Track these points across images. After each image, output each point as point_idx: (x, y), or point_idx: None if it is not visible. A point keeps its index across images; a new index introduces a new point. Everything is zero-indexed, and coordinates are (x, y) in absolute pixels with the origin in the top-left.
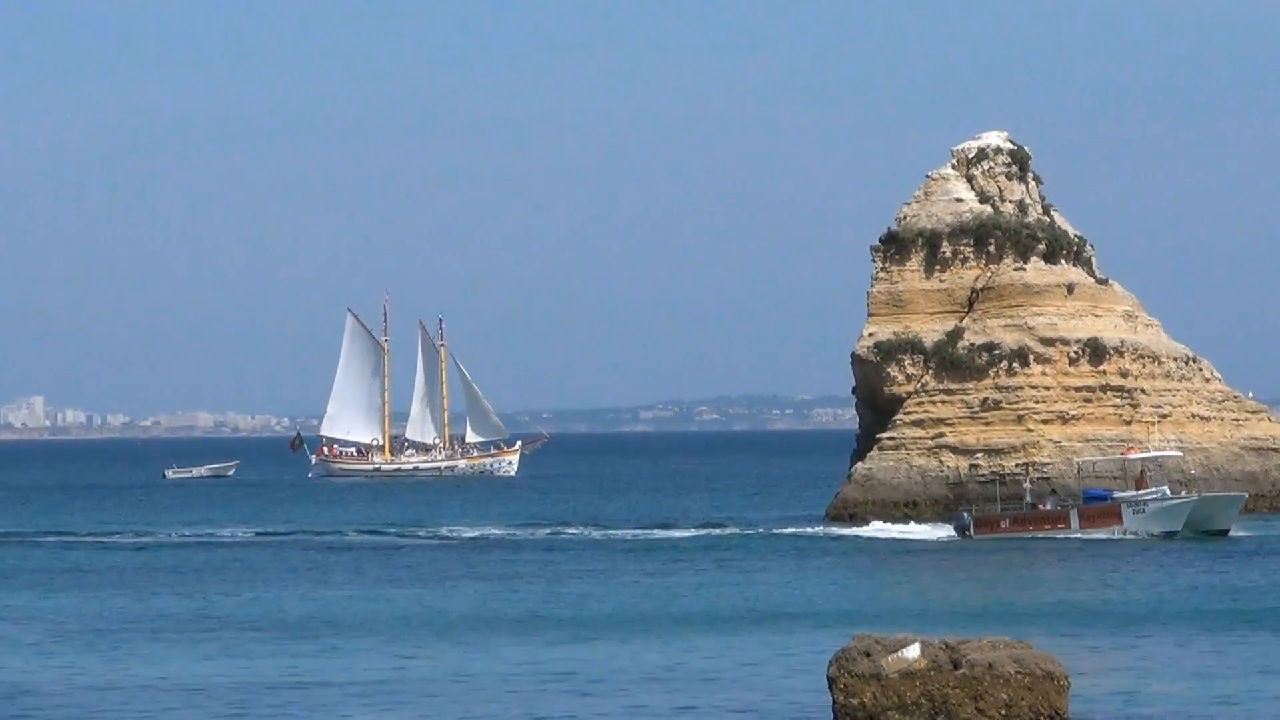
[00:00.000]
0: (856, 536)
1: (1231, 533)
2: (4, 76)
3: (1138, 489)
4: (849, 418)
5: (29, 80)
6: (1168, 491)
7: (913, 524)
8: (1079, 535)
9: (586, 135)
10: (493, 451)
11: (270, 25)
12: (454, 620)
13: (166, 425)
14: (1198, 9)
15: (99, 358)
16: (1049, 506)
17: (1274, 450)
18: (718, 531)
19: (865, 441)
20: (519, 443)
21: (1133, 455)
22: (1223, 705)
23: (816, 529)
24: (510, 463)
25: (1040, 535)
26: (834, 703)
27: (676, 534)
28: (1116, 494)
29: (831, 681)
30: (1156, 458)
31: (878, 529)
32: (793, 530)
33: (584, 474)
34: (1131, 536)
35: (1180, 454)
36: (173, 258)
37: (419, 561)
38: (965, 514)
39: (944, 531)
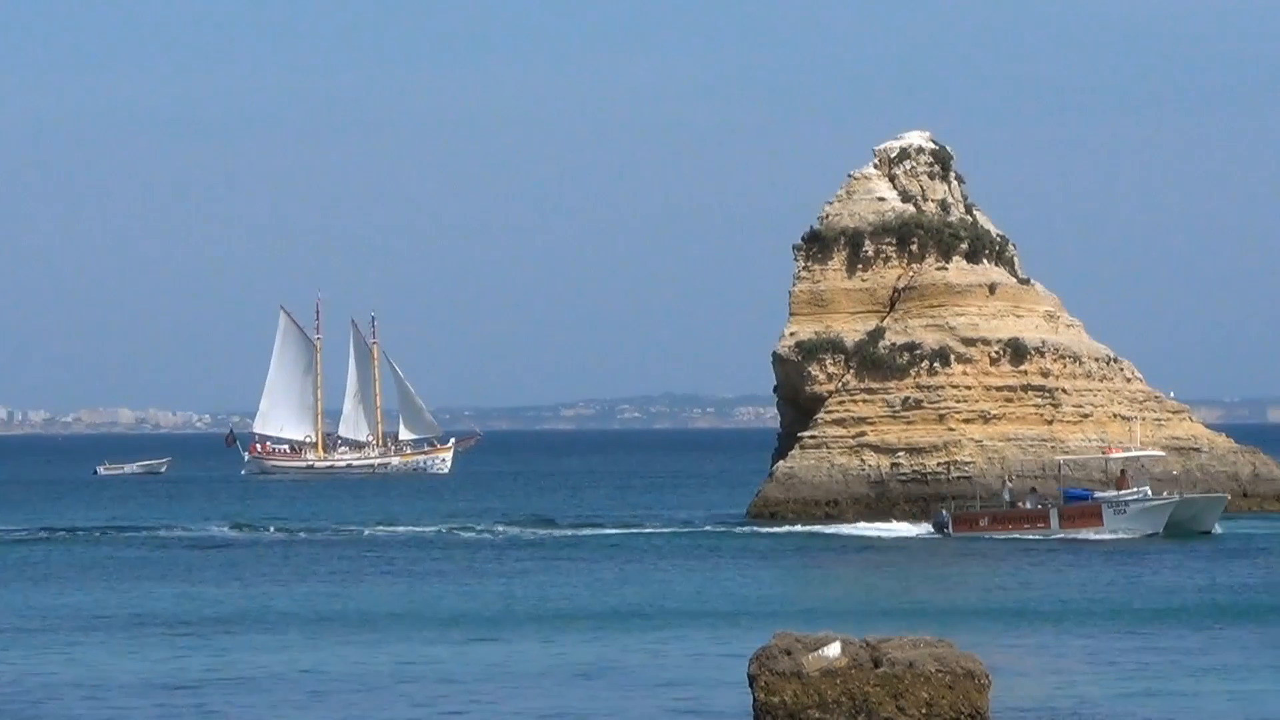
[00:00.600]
0: (826, 534)
1: (1214, 533)
2: None
3: (1118, 489)
4: (770, 416)
5: None
6: (1149, 492)
7: (893, 522)
8: (1059, 535)
9: (510, 135)
10: (426, 449)
11: (203, 20)
12: (355, 617)
13: (88, 421)
14: (1118, 9)
15: (19, 354)
16: (1028, 506)
17: (1195, 450)
18: (644, 530)
19: (787, 440)
20: (452, 440)
21: (1114, 454)
22: (1142, 701)
23: (786, 528)
24: (444, 460)
25: (1019, 535)
26: (754, 701)
27: (607, 531)
28: (1097, 494)
29: (752, 680)
30: (1138, 457)
31: (856, 527)
32: (725, 528)
33: (521, 471)
34: (1112, 536)
35: (1164, 454)
36: (95, 254)
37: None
38: (944, 512)
39: (922, 529)
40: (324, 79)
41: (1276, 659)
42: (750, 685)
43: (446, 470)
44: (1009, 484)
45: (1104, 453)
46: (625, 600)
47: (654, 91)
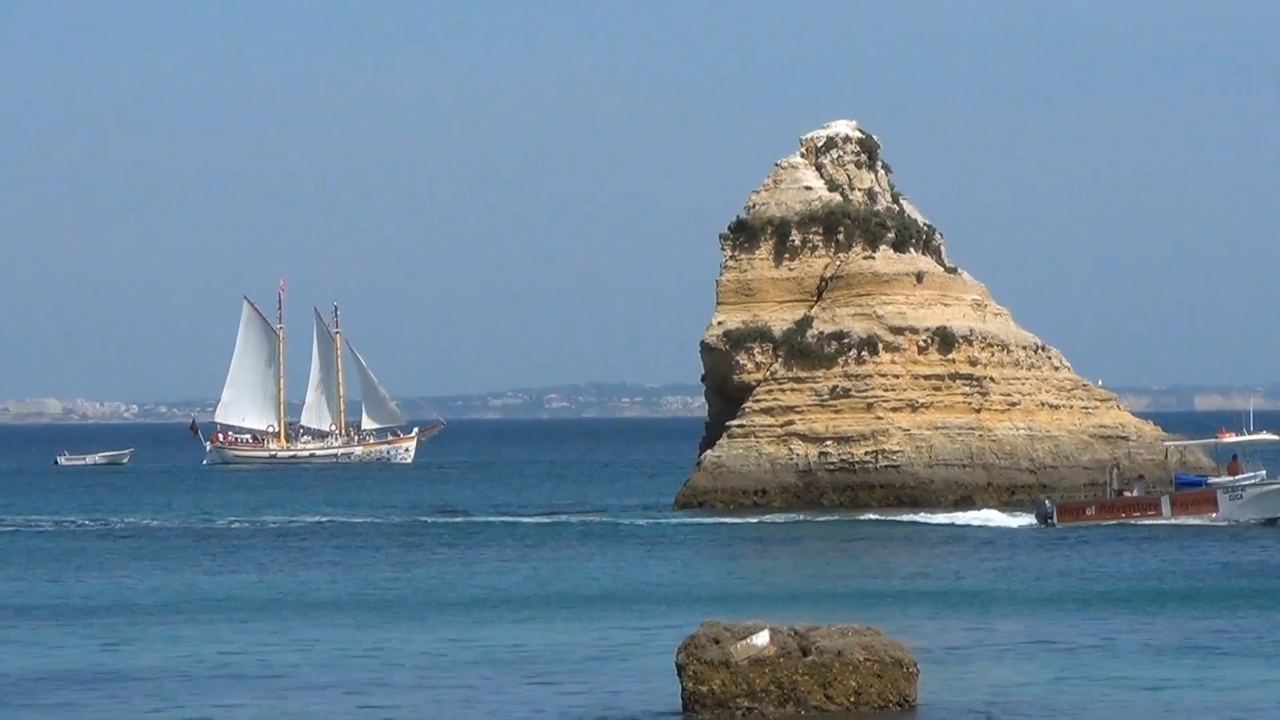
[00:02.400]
0: (915, 522)
1: None
2: None
3: (1230, 474)
4: (698, 405)
5: None
6: (1265, 475)
7: (988, 511)
8: (1171, 522)
9: (441, 129)
10: (389, 438)
11: (164, 13)
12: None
13: (15, 412)
14: (1036, 5)
15: None
16: (1135, 493)
17: (1122, 438)
18: (585, 518)
19: (714, 429)
20: (415, 430)
21: (1226, 439)
22: (1069, 687)
23: (869, 516)
24: (407, 450)
25: (1130, 523)
26: (683, 690)
27: (533, 520)
28: (1212, 480)
29: (680, 668)
30: (1252, 442)
31: (952, 517)
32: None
33: (484, 462)
34: (1227, 523)
35: (1277, 439)
36: (23, 245)
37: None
38: (1047, 501)
39: (1024, 519)
40: (286, 71)
41: (1185, 640)
42: (678, 674)
43: (410, 460)
44: (1114, 469)
45: (1217, 437)
46: (562, 587)
47: (581, 84)
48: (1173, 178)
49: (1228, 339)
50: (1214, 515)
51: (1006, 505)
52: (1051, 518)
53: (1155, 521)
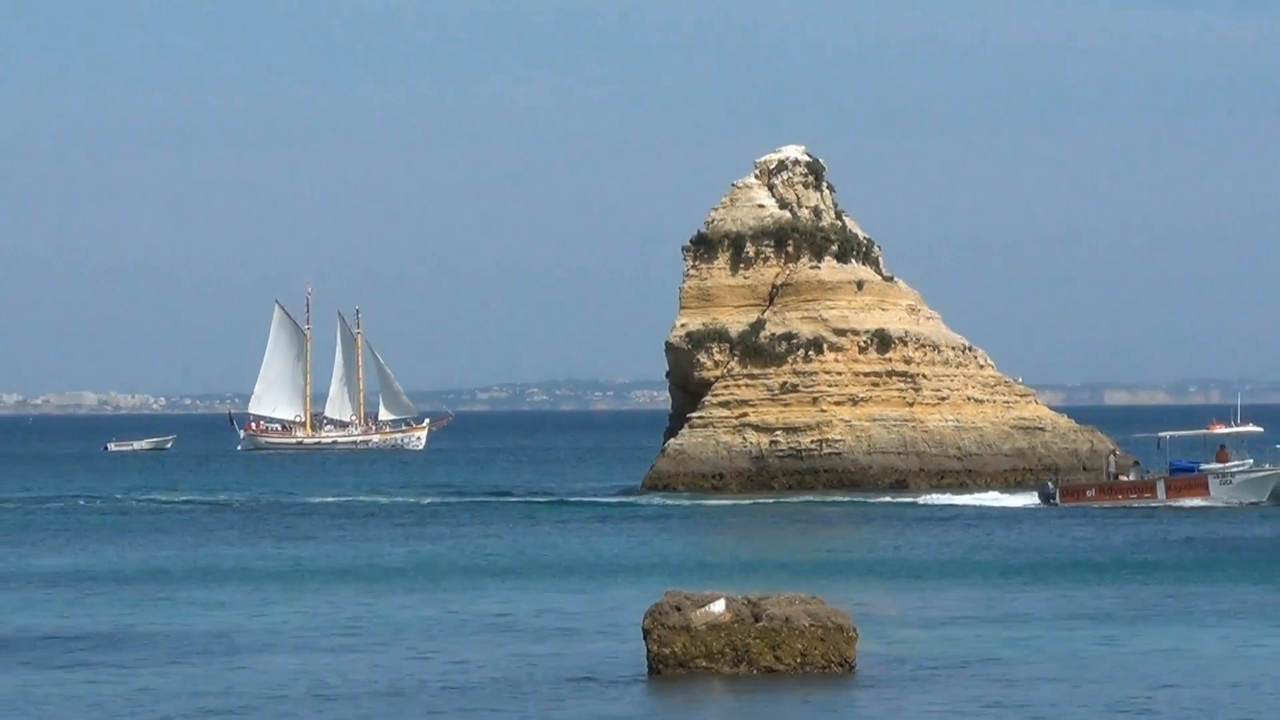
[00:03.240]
0: (930, 505)
1: None
2: None
3: (1219, 461)
4: (663, 399)
5: None
6: (1252, 463)
7: (994, 493)
8: (1166, 504)
9: (440, 149)
10: (403, 428)
11: (194, 27)
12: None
13: (56, 403)
14: (961, 39)
15: None
16: (1132, 478)
17: (1039, 429)
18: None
19: (677, 420)
20: (427, 420)
21: (1216, 430)
22: (997, 650)
23: (909, 499)
24: (419, 438)
25: (1126, 504)
26: (648, 652)
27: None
28: (1203, 466)
29: (646, 633)
30: (1239, 433)
31: (966, 499)
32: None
33: (491, 448)
34: (1220, 505)
35: (1261, 430)
36: (66, 254)
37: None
38: (1049, 483)
39: (1028, 499)
40: (312, 100)
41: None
42: (644, 638)
43: (421, 447)
44: (1113, 458)
45: (1208, 429)
46: (537, 560)
47: (563, 112)
48: (1083, 197)
49: (1134, 341)
50: (1205, 498)
51: (1007, 488)
52: (1054, 498)
53: (1151, 503)
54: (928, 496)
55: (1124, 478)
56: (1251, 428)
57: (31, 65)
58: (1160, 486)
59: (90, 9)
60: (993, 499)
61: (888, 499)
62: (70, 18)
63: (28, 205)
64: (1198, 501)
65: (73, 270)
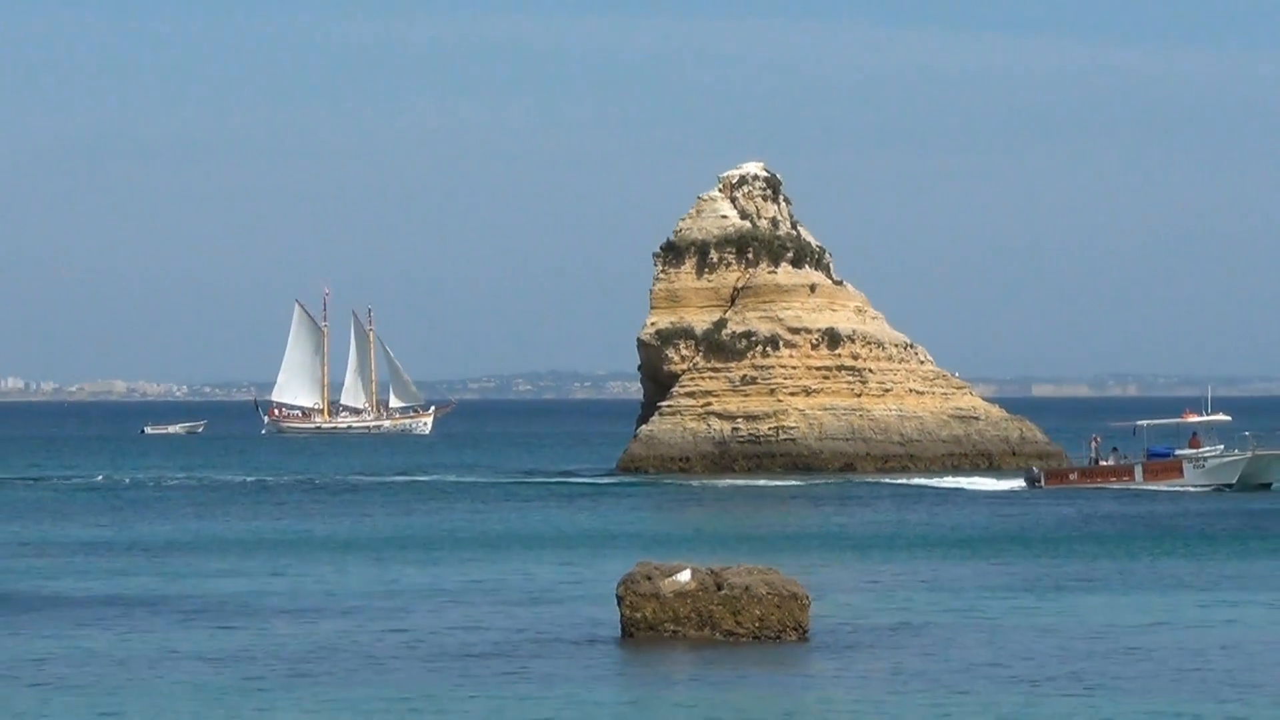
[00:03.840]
0: (925, 486)
1: (1275, 486)
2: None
3: (1191, 448)
4: (635, 390)
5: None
6: (1223, 449)
7: (978, 477)
8: (1143, 487)
9: (439, 158)
10: (411, 414)
11: (226, 48)
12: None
13: (89, 391)
14: (908, 65)
15: (33, 333)
16: (1111, 462)
17: (974, 418)
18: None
19: (648, 409)
20: (432, 407)
21: (1189, 419)
22: (939, 617)
23: (917, 480)
24: (425, 424)
25: (1106, 486)
26: (621, 616)
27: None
28: (1178, 451)
29: (619, 599)
30: (1208, 422)
31: (952, 481)
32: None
33: (493, 433)
34: (1192, 489)
35: (1229, 419)
36: (97, 254)
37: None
38: (1034, 468)
39: (1015, 483)
40: (331, 120)
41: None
42: (618, 604)
43: (428, 431)
44: (1093, 441)
45: (1182, 417)
46: (523, 532)
47: (546, 129)
48: (1014, 210)
49: (1059, 339)
50: (1180, 481)
51: (989, 472)
52: (1039, 482)
53: (1129, 486)
54: (919, 479)
55: (1103, 462)
56: (1221, 417)
57: (75, 85)
58: (1138, 470)
59: (128, 37)
60: (980, 483)
61: (873, 480)
62: (109, 44)
63: (65, 211)
64: (1173, 484)
65: (107, 269)
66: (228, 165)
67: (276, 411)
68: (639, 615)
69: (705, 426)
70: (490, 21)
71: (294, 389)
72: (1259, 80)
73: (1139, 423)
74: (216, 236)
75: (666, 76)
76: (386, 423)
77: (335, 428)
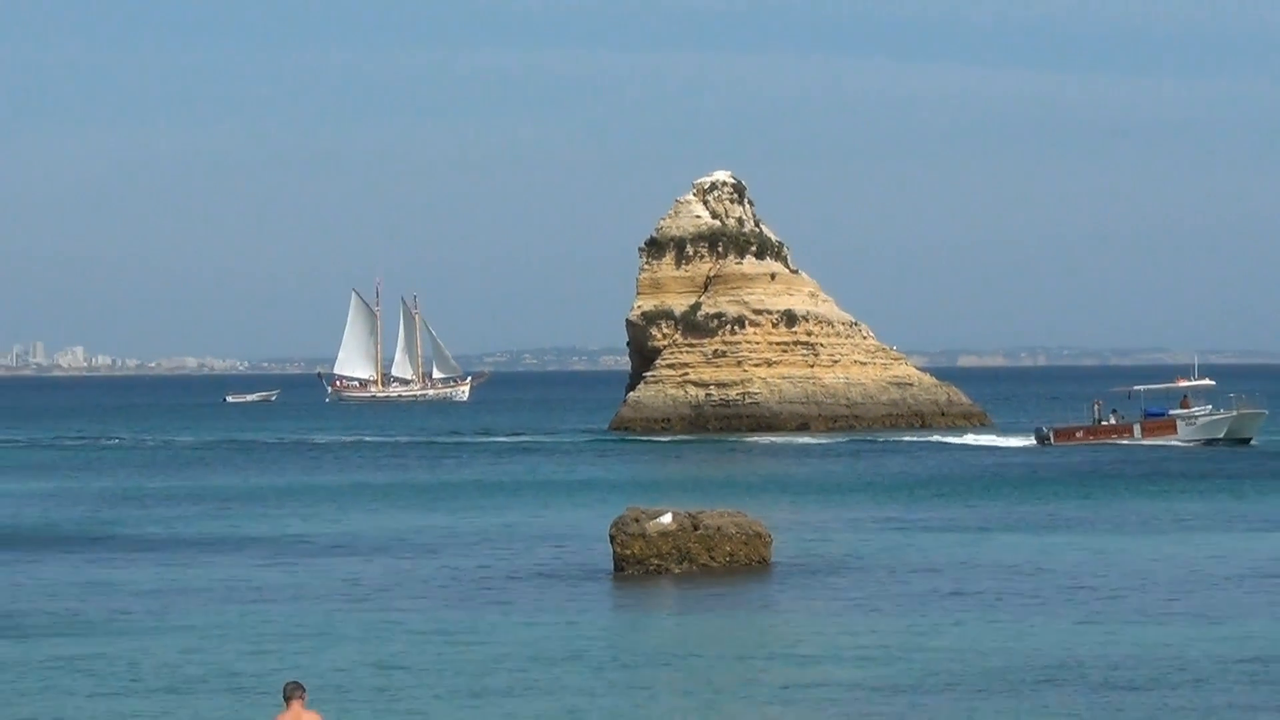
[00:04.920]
0: (945, 443)
1: (1253, 441)
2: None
3: (1183, 408)
4: (625, 362)
5: (114, 104)
6: (1211, 409)
7: (993, 435)
8: (1142, 443)
9: (464, 170)
10: (451, 384)
11: (295, 79)
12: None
13: (166, 366)
14: (852, 89)
15: (118, 315)
16: (1113, 422)
17: (909, 385)
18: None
19: (635, 378)
20: (469, 378)
21: (1180, 384)
22: (885, 551)
23: (936, 437)
24: (464, 391)
25: (1109, 443)
26: (614, 553)
27: (546, 438)
28: (1172, 411)
29: (612, 538)
30: (1197, 386)
31: (970, 439)
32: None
33: (524, 399)
34: (1185, 443)
35: (1214, 384)
36: (178, 250)
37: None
38: (1043, 427)
39: (1027, 440)
40: (372, 136)
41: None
42: (610, 542)
43: (465, 398)
44: (1096, 405)
45: (1174, 382)
46: (538, 481)
47: (549, 142)
48: (941, 207)
49: (980, 316)
50: (1174, 437)
51: (986, 428)
52: (1049, 439)
53: (1129, 442)
54: (937, 436)
55: (1105, 421)
56: (1207, 381)
57: (141, 111)
58: (1137, 428)
59: (209, 70)
60: (992, 440)
61: (894, 438)
62: (191, 73)
63: (157, 216)
64: (1168, 439)
65: (182, 261)
66: (297, 179)
67: (339, 383)
68: (629, 552)
69: (683, 393)
70: (509, 53)
71: (353, 363)
72: (1158, 102)
73: (1135, 388)
74: (279, 235)
75: (650, 99)
76: (430, 391)
77: (388, 396)
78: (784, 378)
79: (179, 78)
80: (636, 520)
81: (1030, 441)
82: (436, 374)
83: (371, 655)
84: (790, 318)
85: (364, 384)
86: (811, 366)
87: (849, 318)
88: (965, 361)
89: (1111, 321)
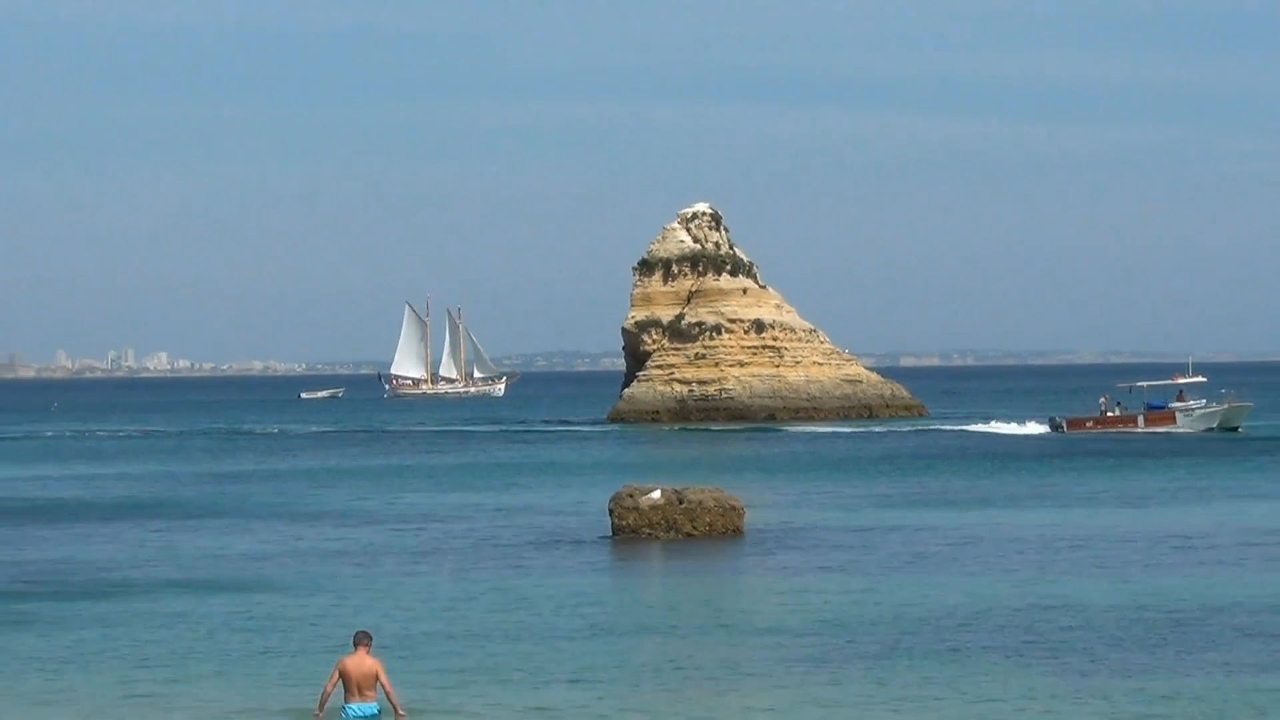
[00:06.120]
0: (965, 431)
1: (1240, 430)
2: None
3: (1179, 402)
4: (621, 364)
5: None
6: (1205, 402)
7: (1012, 424)
8: (1145, 431)
9: (489, 207)
10: (489, 382)
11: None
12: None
13: (234, 368)
14: (805, 134)
15: (197, 325)
16: (1118, 413)
17: (859, 382)
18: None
19: (629, 377)
20: (504, 377)
21: (1178, 380)
22: (844, 522)
23: (959, 428)
24: (500, 389)
25: (1115, 431)
26: (611, 523)
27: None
28: (1171, 404)
29: (610, 511)
30: (1192, 383)
31: (988, 427)
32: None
33: (554, 394)
34: (1182, 432)
35: (1205, 380)
36: (236, 270)
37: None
38: (1057, 417)
39: (1041, 429)
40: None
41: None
42: (609, 514)
43: (501, 394)
44: (1103, 399)
45: (1172, 379)
46: (550, 463)
47: (556, 178)
48: (891, 232)
49: (917, 323)
50: (1173, 426)
51: (1011, 419)
52: (1062, 428)
53: (1134, 430)
54: (958, 425)
55: (1110, 413)
56: (1200, 379)
57: (215, 150)
58: (1141, 419)
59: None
60: (1011, 428)
61: (921, 427)
62: (246, 111)
63: (236, 237)
64: (1168, 429)
65: (247, 276)
66: (356, 213)
67: (394, 381)
68: (624, 522)
69: (670, 389)
70: (525, 108)
71: (407, 365)
72: (1042, 145)
73: (1138, 384)
74: (339, 259)
75: (642, 144)
76: (472, 389)
77: (436, 392)
78: (754, 376)
79: (251, 128)
80: (631, 496)
81: (1045, 430)
82: (477, 374)
83: (403, 606)
84: (759, 326)
85: (416, 382)
86: (777, 367)
87: (808, 325)
88: (905, 362)
89: (1028, 327)
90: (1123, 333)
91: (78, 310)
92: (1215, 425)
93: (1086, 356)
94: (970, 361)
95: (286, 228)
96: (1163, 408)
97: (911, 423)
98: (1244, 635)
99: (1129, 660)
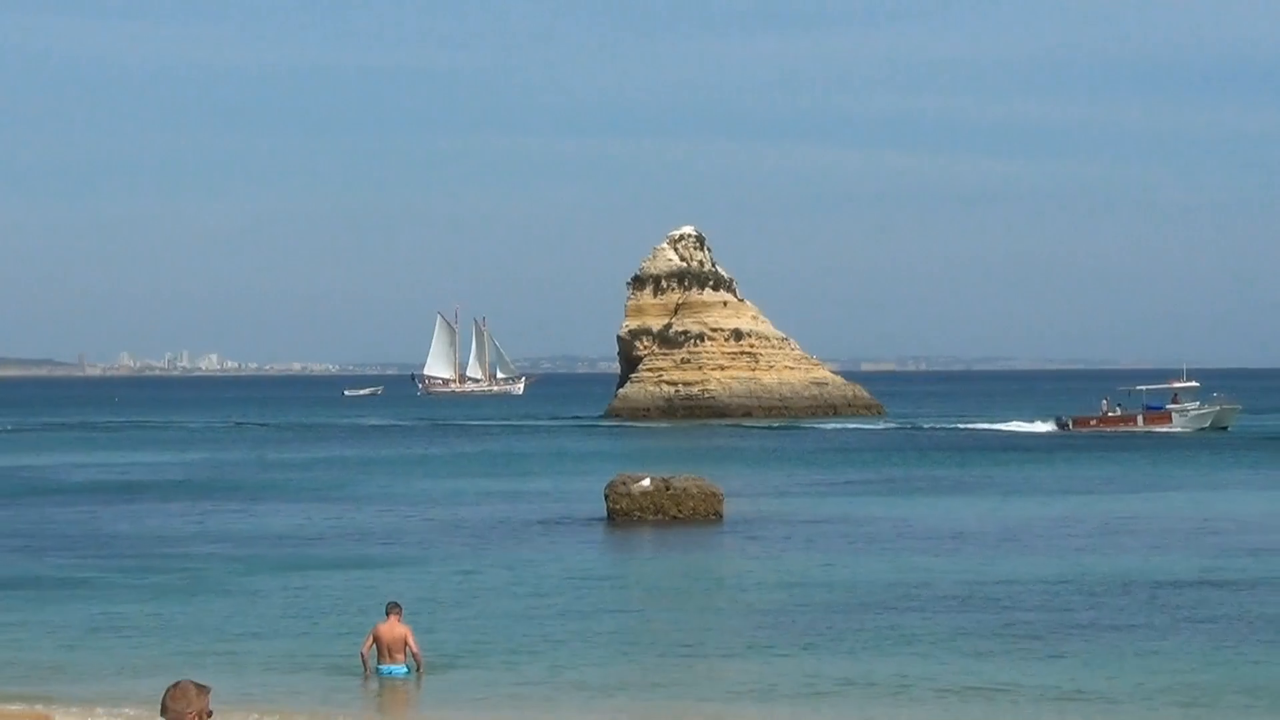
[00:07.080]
0: (975, 429)
1: (1230, 429)
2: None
3: (1174, 403)
4: (616, 367)
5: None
6: (1199, 403)
7: (1018, 422)
8: (1144, 430)
9: (502, 230)
10: (510, 382)
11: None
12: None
13: (276, 369)
14: (770, 163)
15: (244, 328)
16: (1119, 413)
17: (825, 385)
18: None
19: (623, 379)
20: (524, 378)
21: (1174, 385)
22: (817, 509)
23: (959, 425)
24: (519, 388)
25: (1116, 430)
26: (607, 507)
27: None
28: (1168, 405)
29: (606, 496)
30: (1187, 387)
31: (993, 425)
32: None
33: (559, 393)
34: (1178, 430)
35: (1198, 384)
36: (281, 280)
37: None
38: (1063, 416)
39: (1048, 427)
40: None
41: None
42: (605, 499)
43: (521, 393)
44: (1105, 400)
45: (1169, 384)
46: (549, 453)
47: (561, 203)
48: (852, 250)
49: (875, 332)
50: (1170, 425)
51: (1025, 418)
52: (1068, 426)
53: (1133, 429)
54: (969, 424)
55: (1111, 414)
56: (1193, 383)
57: (263, 171)
58: (1140, 419)
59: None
60: (1018, 426)
61: (933, 425)
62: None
63: (286, 241)
64: (1165, 428)
65: (284, 282)
66: (390, 231)
67: (427, 380)
68: (618, 506)
69: (659, 390)
70: (533, 140)
71: (438, 367)
72: (978, 176)
73: (1137, 388)
74: (373, 270)
75: (636, 173)
76: (495, 388)
77: (464, 391)
78: (733, 378)
79: (298, 157)
80: (624, 483)
81: (1052, 428)
82: (499, 375)
83: (425, 582)
84: (738, 334)
85: (446, 382)
86: (754, 370)
87: (781, 334)
88: (866, 367)
89: (973, 336)
90: (1052, 342)
91: (139, 316)
92: (1208, 425)
93: (1024, 363)
94: (923, 367)
95: (325, 245)
96: (1160, 409)
97: (912, 423)
98: (1231, 613)
99: (1131, 633)
